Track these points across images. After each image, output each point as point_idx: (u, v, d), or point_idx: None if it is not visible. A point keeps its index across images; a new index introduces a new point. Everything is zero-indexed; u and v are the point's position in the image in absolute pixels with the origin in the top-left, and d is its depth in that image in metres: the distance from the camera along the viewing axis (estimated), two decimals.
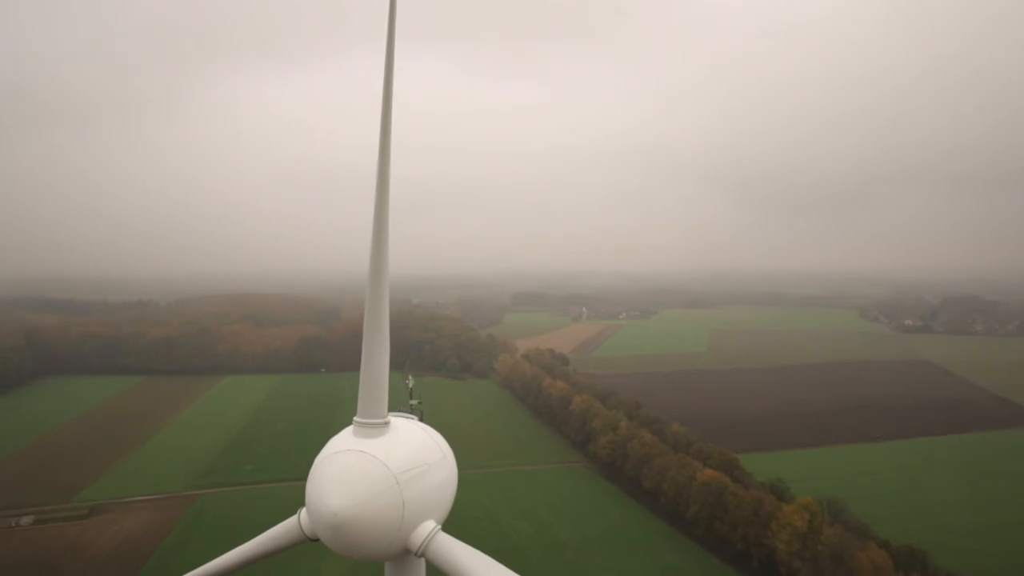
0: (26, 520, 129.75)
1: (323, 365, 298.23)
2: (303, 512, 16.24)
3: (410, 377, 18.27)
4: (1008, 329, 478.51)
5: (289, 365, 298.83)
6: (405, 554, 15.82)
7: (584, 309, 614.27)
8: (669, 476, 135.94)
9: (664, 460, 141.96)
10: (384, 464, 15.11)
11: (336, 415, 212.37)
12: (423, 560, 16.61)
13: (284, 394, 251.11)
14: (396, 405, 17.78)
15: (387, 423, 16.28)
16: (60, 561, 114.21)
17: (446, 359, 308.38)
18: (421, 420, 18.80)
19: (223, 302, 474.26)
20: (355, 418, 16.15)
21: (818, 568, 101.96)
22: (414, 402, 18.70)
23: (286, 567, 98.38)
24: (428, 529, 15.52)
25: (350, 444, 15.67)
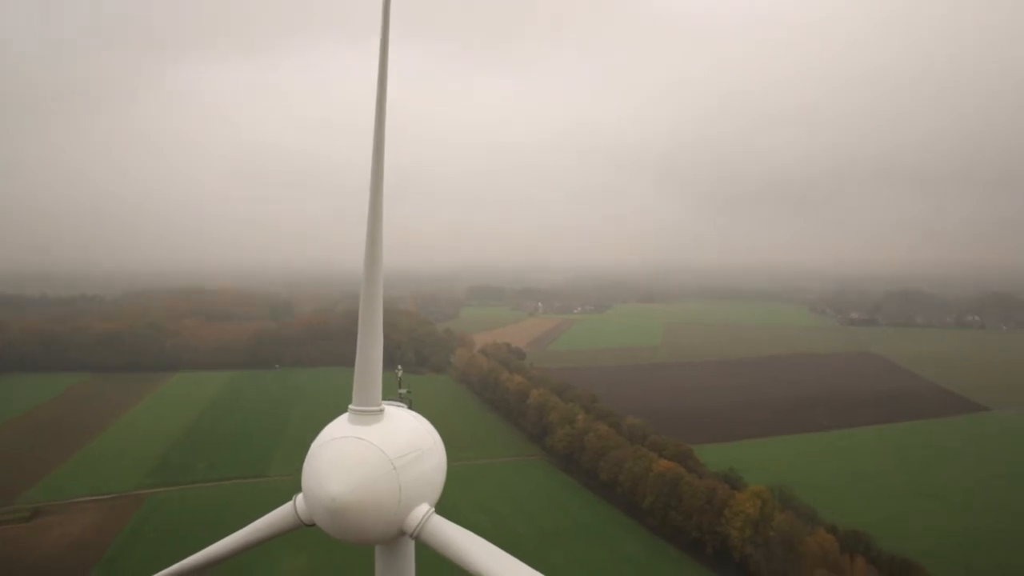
0: None
1: (277, 361, 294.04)
2: (299, 498, 16.58)
3: (400, 367, 18.84)
4: (946, 321, 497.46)
5: (242, 361, 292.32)
6: (399, 536, 16.34)
7: (540, 304, 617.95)
8: (625, 468, 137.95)
9: (620, 452, 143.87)
10: (381, 450, 15.58)
11: (292, 411, 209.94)
12: (412, 543, 17.31)
13: (237, 390, 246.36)
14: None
15: (382, 411, 16.79)
16: (2, 566, 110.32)
17: (402, 354, 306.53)
18: (410, 408, 19.23)
19: (172, 297, 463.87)
20: (351, 406, 16.59)
21: (769, 553, 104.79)
22: (403, 391, 19.24)
23: (242, 566, 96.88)
24: (423, 512, 16.12)
25: (346, 431, 16.07)
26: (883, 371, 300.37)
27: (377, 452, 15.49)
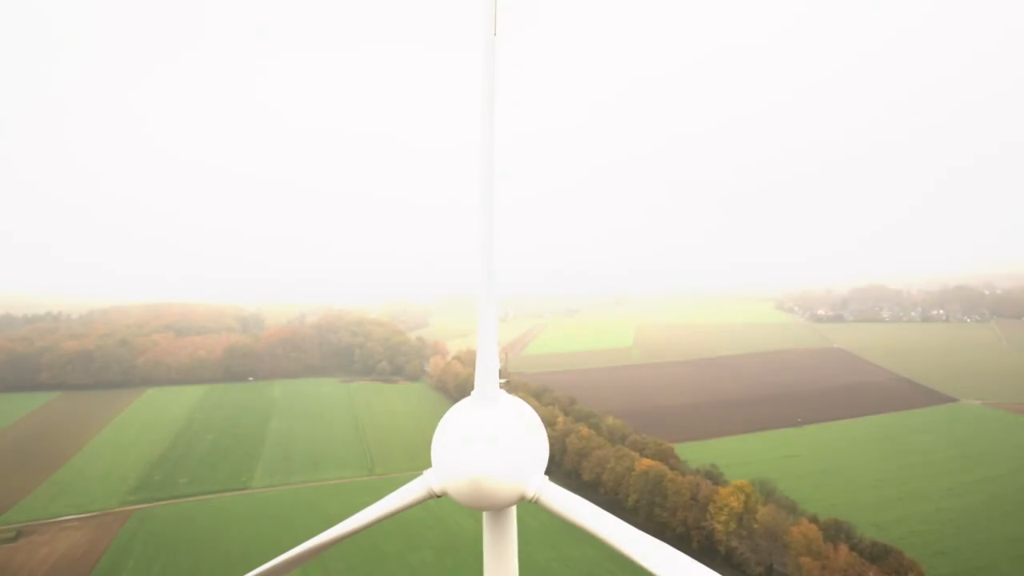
0: None
1: (251, 374, 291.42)
2: (429, 473, 18.65)
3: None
4: (911, 316, 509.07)
5: (215, 375, 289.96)
6: (515, 502, 18.87)
7: (510, 309, 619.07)
8: (608, 467, 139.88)
9: (602, 452, 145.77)
10: (507, 428, 18.02)
11: (269, 423, 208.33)
12: (514, 510, 20.09)
13: (212, 404, 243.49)
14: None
15: (499, 396, 19.18)
16: None
17: (376, 363, 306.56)
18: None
19: (140, 312, 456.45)
20: (474, 392, 19.12)
21: (754, 544, 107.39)
22: (502, 381, 21.54)
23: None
24: (539, 480, 18.38)
25: (474, 412, 18.49)
26: (852, 366, 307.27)
27: (503, 429, 17.89)
